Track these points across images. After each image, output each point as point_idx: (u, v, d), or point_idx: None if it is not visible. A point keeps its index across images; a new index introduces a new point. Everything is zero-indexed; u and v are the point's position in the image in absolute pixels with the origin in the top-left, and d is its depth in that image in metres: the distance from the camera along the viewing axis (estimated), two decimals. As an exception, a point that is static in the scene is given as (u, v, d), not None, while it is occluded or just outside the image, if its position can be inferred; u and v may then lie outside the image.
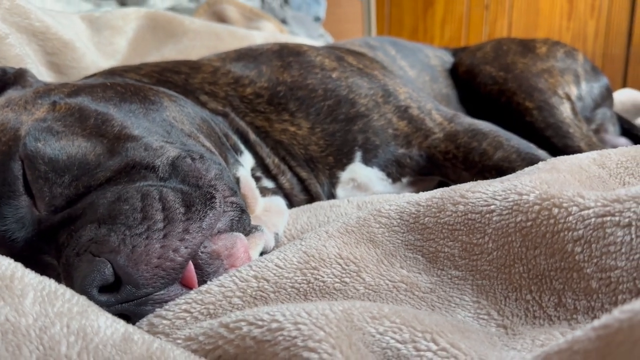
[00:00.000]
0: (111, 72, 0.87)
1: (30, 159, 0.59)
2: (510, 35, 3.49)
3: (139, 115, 0.67)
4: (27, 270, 0.46)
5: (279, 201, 0.82)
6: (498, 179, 0.58)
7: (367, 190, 0.91)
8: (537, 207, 0.50)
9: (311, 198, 0.88)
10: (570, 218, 0.48)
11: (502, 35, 3.54)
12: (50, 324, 0.41)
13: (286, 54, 0.94)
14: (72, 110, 0.64)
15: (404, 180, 0.92)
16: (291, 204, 0.86)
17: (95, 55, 1.04)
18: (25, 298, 0.42)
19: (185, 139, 0.68)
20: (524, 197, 0.52)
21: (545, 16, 3.39)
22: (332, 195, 0.90)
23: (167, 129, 0.67)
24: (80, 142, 0.61)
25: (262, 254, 0.66)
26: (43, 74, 0.92)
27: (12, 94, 0.72)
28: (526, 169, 0.62)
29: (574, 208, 0.49)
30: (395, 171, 0.90)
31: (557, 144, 1.08)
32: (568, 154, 1.06)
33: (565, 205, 0.49)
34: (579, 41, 3.25)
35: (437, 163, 0.90)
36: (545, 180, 0.54)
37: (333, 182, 0.89)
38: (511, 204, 0.52)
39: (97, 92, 0.69)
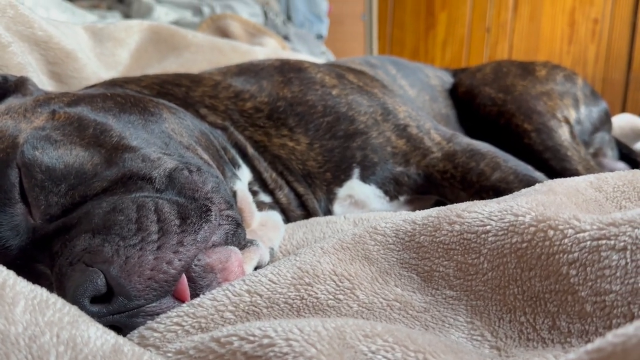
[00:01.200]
0: (112, 83, 0.88)
1: (28, 167, 0.59)
2: (510, 58, 3.52)
3: (137, 127, 0.67)
4: (19, 279, 0.46)
5: (275, 216, 0.82)
6: (495, 200, 0.58)
7: (364, 207, 0.91)
8: (532, 229, 0.50)
9: (308, 213, 0.88)
10: (566, 240, 0.48)
11: (502, 58, 3.56)
12: (40, 333, 0.40)
13: (287, 69, 0.95)
14: (71, 120, 0.64)
15: (402, 198, 0.92)
16: (288, 219, 0.86)
17: (97, 66, 1.04)
18: (15, 306, 0.42)
19: (183, 151, 0.68)
20: (520, 218, 0.52)
21: (546, 40, 3.42)
22: (328, 211, 0.90)
23: (165, 141, 0.67)
24: (78, 152, 0.61)
25: (256, 268, 0.66)
26: (44, 83, 0.92)
27: (12, 101, 0.73)
28: (523, 191, 0.62)
29: (570, 230, 0.49)
30: (393, 189, 0.90)
31: (555, 167, 1.08)
32: (566, 176, 1.07)
33: (561, 227, 0.49)
34: (579, 65, 3.27)
35: (434, 182, 0.90)
36: (542, 202, 0.54)
37: (330, 198, 0.89)
38: (507, 224, 0.52)
39: (97, 102, 0.69)
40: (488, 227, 0.53)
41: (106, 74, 1.06)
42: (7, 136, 0.62)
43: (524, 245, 0.50)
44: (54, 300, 0.44)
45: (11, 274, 0.46)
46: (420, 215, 0.59)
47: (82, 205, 0.58)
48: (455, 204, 0.60)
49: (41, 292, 0.45)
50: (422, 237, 0.57)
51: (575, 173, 1.07)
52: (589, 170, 1.07)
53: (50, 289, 0.55)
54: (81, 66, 0.98)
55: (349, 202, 0.90)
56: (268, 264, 0.72)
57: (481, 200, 0.60)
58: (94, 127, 0.64)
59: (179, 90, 0.88)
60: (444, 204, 1.02)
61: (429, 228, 0.57)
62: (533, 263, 0.49)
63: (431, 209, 0.60)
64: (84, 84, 0.98)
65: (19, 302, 0.43)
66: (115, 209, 0.55)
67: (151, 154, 0.63)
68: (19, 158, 0.59)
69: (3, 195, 0.58)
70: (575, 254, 0.47)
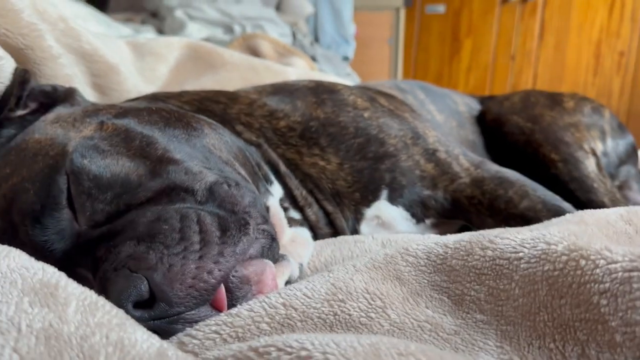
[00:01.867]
0: (154, 98, 0.91)
1: (76, 175, 0.61)
2: (534, 87, 3.53)
3: (181, 141, 0.70)
4: (70, 280, 0.48)
5: (304, 232, 0.84)
6: (527, 227, 0.60)
7: (390, 228, 0.92)
8: (564, 258, 0.51)
9: (335, 232, 0.89)
10: (598, 270, 0.49)
11: (526, 86, 3.57)
12: (90, 334, 0.42)
13: (321, 91, 0.97)
14: (119, 131, 0.67)
15: (428, 221, 0.93)
16: (315, 236, 0.88)
17: (137, 80, 1.08)
18: (68, 307, 0.44)
19: (223, 165, 0.70)
20: (552, 246, 0.53)
21: (570, 70, 3.42)
22: (355, 231, 0.91)
23: (206, 155, 0.70)
24: (125, 162, 0.64)
25: (286, 283, 0.68)
26: (88, 94, 0.96)
27: (61, 110, 0.76)
28: (554, 220, 0.63)
29: (602, 261, 0.50)
30: (420, 212, 0.92)
31: (581, 198, 1.09)
32: (591, 208, 1.08)
33: (592, 257, 0.50)
34: (603, 97, 3.27)
35: (461, 207, 0.91)
36: (574, 232, 0.55)
37: (358, 217, 0.91)
38: (539, 252, 0.53)
39: (143, 115, 0.72)
40: (520, 254, 0.54)
41: (146, 88, 1.10)
42: (56, 144, 0.65)
43: (556, 273, 0.51)
44: (103, 303, 0.47)
45: (63, 276, 0.48)
46: (452, 239, 0.60)
47: (126, 214, 0.60)
48: (486, 230, 0.61)
49: (91, 294, 0.47)
50: (454, 261, 0.58)
51: (601, 205, 1.07)
52: (615, 203, 1.07)
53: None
54: (123, 79, 1.01)
55: (376, 222, 0.91)
56: (297, 280, 0.74)
57: (513, 228, 0.61)
58: (140, 139, 0.67)
59: (217, 107, 0.91)
60: (470, 229, 1.03)
61: (461, 252, 0.58)
62: (564, 291, 0.50)
63: (463, 234, 0.61)
64: (124, 96, 1.02)
65: (71, 303, 0.45)
66: (160, 218, 0.58)
67: (193, 167, 0.65)
68: (68, 166, 0.62)
69: (51, 201, 0.61)
70: (607, 284, 0.48)
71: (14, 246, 0.62)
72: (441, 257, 0.59)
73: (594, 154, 1.16)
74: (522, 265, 0.53)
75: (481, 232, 0.60)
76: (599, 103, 1.36)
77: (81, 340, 0.42)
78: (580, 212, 0.64)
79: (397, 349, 0.45)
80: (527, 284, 0.53)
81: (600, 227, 0.59)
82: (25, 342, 0.40)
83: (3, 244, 0.64)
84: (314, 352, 0.43)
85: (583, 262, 0.50)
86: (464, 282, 0.56)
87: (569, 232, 0.55)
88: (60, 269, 0.61)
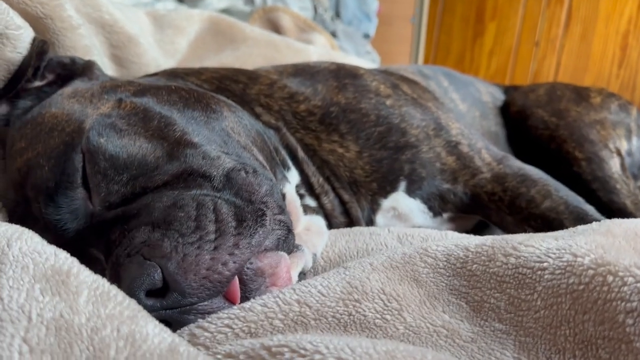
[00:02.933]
0: (173, 74, 0.89)
1: (92, 153, 0.60)
2: (557, 76, 3.46)
3: (200, 123, 0.68)
4: (82, 267, 0.47)
5: (319, 221, 0.83)
6: (552, 235, 0.58)
7: (406, 221, 0.90)
8: (591, 272, 0.50)
9: (350, 221, 0.88)
10: (625, 288, 0.47)
11: (548, 74, 3.50)
12: (101, 326, 0.41)
13: (343, 75, 0.95)
14: (137, 110, 0.66)
15: (445, 215, 0.92)
16: (330, 225, 0.87)
17: (157, 53, 1.06)
18: (79, 296, 0.43)
19: (241, 150, 0.69)
20: (579, 259, 0.51)
21: (595, 61, 3.34)
22: (371, 221, 0.90)
23: (224, 139, 0.68)
24: (142, 143, 0.62)
25: (300, 273, 0.67)
26: (106, 65, 0.94)
27: (78, 84, 0.74)
28: (579, 228, 0.61)
29: (630, 279, 0.48)
30: (438, 205, 0.90)
31: (602, 198, 1.06)
32: (612, 210, 1.05)
33: (620, 274, 0.48)
34: (627, 90, 3.19)
35: (481, 203, 0.89)
36: (601, 245, 0.53)
37: (374, 208, 0.89)
38: (565, 264, 0.51)
39: (162, 94, 0.70)
40: (545, 265, 0.52)
41: (165, 62, 1.08)
42: (73, 120, 0.64)
43: (581, 287, 0.50)
44: (115, 293, 0.46)
45: (75, 262, 0.47)
46: (473, 242, 0.59)
47: (141, 197, 0.59)
48: (511, 235, 0.59)
49: (103, 282, 0.46)
50: (474, 266, 0.56)
51: (622, 207, 1.05)
52: (637, 206, 1.05)
53: (103, 275, 0.56)
54: (142, 52, 0.99)
55: (392, 214, 0.90)
56: (310, 270, 0.73)
57: (538, 234, 0.59)
58: (158, 119, 0.65)
59: (237, 87, 0.89)
60: (487, 225, 1.01)
61: (483, 257, 0.56)
62: (588, 307, 0.49)
63: (485, 237, 0.60)
64: (143, 69, 1.00)
65: (83, 292, 0.44)
66: (176, 204, 0.56)
67: (211, 152, 0.64)
68: (84, 144, 0.61)
69: (65, 179, 0.60)
70: (634, 304, 0.47)
71: (27, 220, 0.61)
72: (461, 260, 0.57)
73: (619, 153, 1.13)
74: (546, 276, 0.52)
75: (504, 237, 0.58)
76: (627, 100, 1.32)
77: (92, 332, 0.41)
78: (607, 221, 0.62)
79: (414, 357, 0.43)
80: (550, 295, 0.51)
81: (628, 240, 0.57)
82: (35, 332, 0.39)
83: (17, 217, 0.63)
84: (328, 357, 0.42)
85: (610, 278, 0.48)
86: (483, 289, 0.55)
87: (596, 244, 0.53)
88: (72, 248, 0.60)
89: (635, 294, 0.47)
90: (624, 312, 0.47)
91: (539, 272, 0.52)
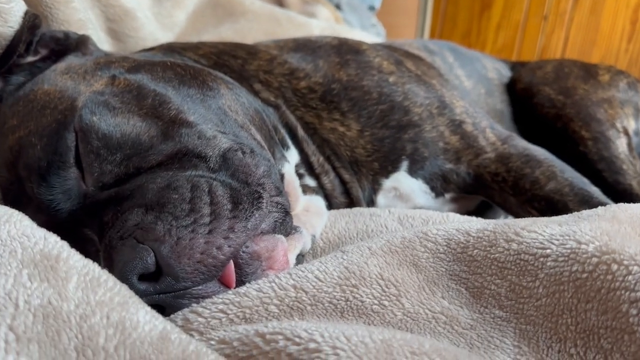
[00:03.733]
0: (170, 49, 0.87)
1: (85, 132, 0.59)
2: (565, 50, 3.40)
3: (196, 101, 0.66)
4: (73, 252, 0.46)
5: (319, 201, 0.81)
6: (556, 220, 0.56)
7: (408, 201, 0.89)
8: (595, 260, 0.48)
9: (351, 202, 0.86)
10: (630, 278, 0.46)
11: (556, 49, 3.44)
12: (91, 313, 0.40)
13: (345, 50, 0.92)
14: (131, 87, 0.64)
15: (447, 196, 0.90)
16: (330, 205, 0.85)
17: (154, 26, 1.03)
18: (69, 282, 0.42)
19: (238, 130, 0.67)
20: (583, 246, 0.50)
21: (604, 35, 3.27)
22: (372, 202, 0.88)
23: (221, 118, 0.66)
24: (136, 122, 0.60)
25: (298, 255, 0.66)
26: (102, 39, 0.92)
27: (72, 60, 0.72)
28: (584, 213, 0.59)
29: (635, 268, 0.46)
30: (440, 186, 0.88)
31: (608, 179, 1.05)
32: (618, 190, 1.04)
33: (625, 263, 0.47)
34: (636, 66, 3.14)
35: (484, 183, 0.87)
36: (606, 231, 0.51)
37: (375, 188, 0.87)
38: (568, 251, 0.50)
39: (157, 71, 0.68)
40: (548, 251, 0.51)
41: (162, 35, 1.05)
42: (66, 97, 0.62)
43: (584, 275, 0.48)
44: (106, 278, 0.44)
45: (65, 246, 0.46)
46: (475, 226, 0.57)
47: (135, 177, 0.58)
48: (513, 220, 0.57)
49: (93, 268, 0.45)
50: (475, 251, 0.55)
51: (628, 188, 1.03)
52: (643, 186, 1.03)
53: (97, 255, 0.56)
54: (139, 25, 0.97)
55: (394, 194, 0.88)
56: (309, 251, 0.72)
57: (541, 219, 0.58)
58: (152, 97, 0.63)
59: (235, 63, 0.86)
60: (490, 206, 1.00)
61: (484, 242, 0.55)
62: (591, 296, 0.47)
63: (487, 221, 0.58)
64: (140, 44, 0.97)
65: (72, 278, 0.43)
66: (170, 186, 0.55)
67: (207, 131, 0.62)
68: (77, 122, 0.59)
69: (58, 158, 0.58)
70: (639, 294, 0.45)
71: (21, 199, 0.60)
72: (462, 245, 0.56)
73: (626, 133, 1.11)
74: (548, 263, 0.50)
75: (507, 221, 0.57)
76: (635, 78, 1.29)
77: (80, 320, 0.40)
78: (613, 206, 0.60)
79: (411, 347, 0.42)
80: (553, 283, 0.50)
81: (634, 226, 0.55)
82: (22, 319, 0.38)
83: (11, 196, 0.62)
84: (323, 346, 0.41)
85: (615, 267, 0.47)
86: (484, 275, 0.53)
87: (601, 230, 0.52)
88: (66, 228, 0.59)
89: (639, 284, 0.46)
90: (628, 302, 0.46)
91: (542, 259, 0.51)
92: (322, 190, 0.84)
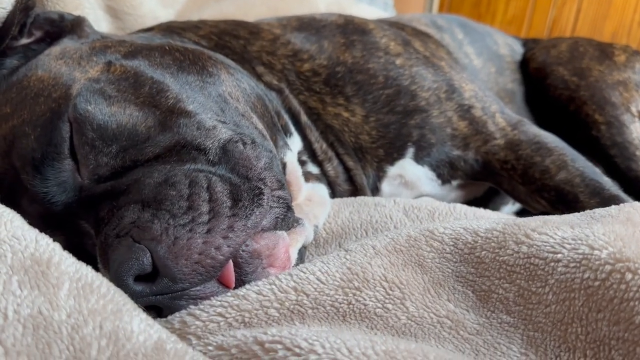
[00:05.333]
0: (169, 29, 0.83)
1: (79, 123, 0.56)
2: (576, 23, 3.31)
3: (195, 88, 0.63)
4: (65, 255, 0.44)
5: (322, 190, 0.79)
6: (568, 222, 0.54)
7: (413, 189, 0.87)
8: (608, 267, 0.46)
9: (355, 189, 0.84)
10: (645, 288, 0.44)
11: (567, 22, 3.35)
12: (83, 323, 0.39)
13: (350, 30, 0.89)
14: (127, 75, 0.61)
15: (454, 183, 0.88)
16: (334, 193, 0.83)
17: (154, 3, 0.99)
18: (60, 289, 0.41)
19: (239, 118, 0.64)
20: (596, 252, 0.48)
21: (617, 8, 3.18)
22: (376, 189, 0.86)
23: (221, 106, 0.64)
24: (132, 111, 0.58)
25: (300, 248, 0.64)
26: (100, 18, 0.89)
27: (67, 44, 0.69)
28: (597, 213, 0.57)
29: (651, 277, 0.44)
30: (447, 173, 0.86)
31: (620, 165, 1.02)
32: (630, 177, 1.01)
33: (641, 272, 0.45)
34: (649, 39, 3.06)
35: (492, 171, 0.85)
36: (621, 236, 0.49)
37: (380, 175, 0.85)
38: (580, 257, 0.48)
39: (155, 56, 0.65)
40: (559, 256, 0.49)
41: (163, 12, 1.01)
42: (60, 85, 0.60)
43: (597, 283, 0.46)
44: (99, 284, 0.43)
45: (57, 248, 0.45)
46: (483, 226, 0.55)
47: (132, 170, 0.56)
48: (524, 219, 0.55)
49: (86, 272, 0.43)
50: (483, 252, 0.53)
51: (640, 174, 1.00)
52: (656, 174, 1.00)
53: (94, 248, 0.54)
54: (138, 3, 0.93)
55: (399, 182, 0.86)
56: (312, 242, 0.70)
57: (553, 219, 0.55)
58: (150, 85, 0.61)
59: (237, 44, 0.83)
60: (498, 192, 0.98)
61: (492, 244, 0.53)
62: (603, 305, 0.46)
63: (496, 221, 0.56)
64: (139, 21, 0.94)
65: (64, 285, 0.41)
66: (167, 181, 0.53)
67: (207, 121, 0.60)
68: (71, 111, 0.57)
69: (52, 149, 0.56)
70: (654, 305, 0.44)
71: (16, 188, 0.58)
72: (469, 246, 0.54)
73: (641, 117, 1.08)
74: (559, 269, 0.48)
75: (517, 221, 0.55)
76: (653, 57, 1.24)
77: (72, 330, 0.38)
78: (627, 206, 0.58)
79: (415, 358, 0.41)
80: (563, 290, 0.48)
81: (650, 229, 0.53)
82: (11, 331, 0.37)
83: (6, 185, 0.60)
84: (324, 358, 0.40)
85: (629, 276, 0.45)
86: (492, 278, 0.52)
87: (615, 235, 0.49)
88: (61, 221, 0.58)
89: (655, 295, 0.44)
90: (642, 313, 0.44)
91: (552, 264, 0.49)
92: (325, 177, 0.82)
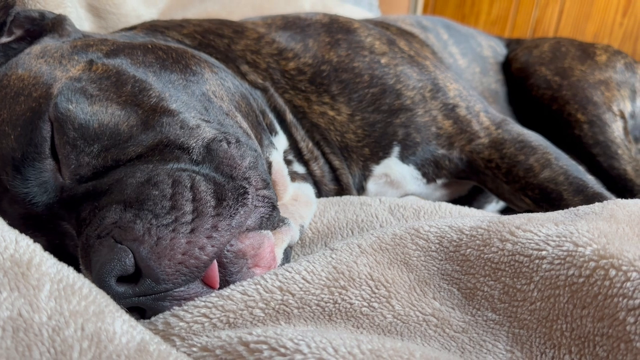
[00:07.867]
0: (152, 27, 0.83)
1: (60, 122, 0.55)
2: (559, 23, 3.35)
3: (178, 87, 0.63)
4: (45, 256, 0.44)
5: (308, 190, 0.79)
6: (552, 219, 0.54)
7: (399, 187, 0.87)
8: (592, 264, 0.47)
9: (341, 188, 0.84)
10: (628, 284, 0.44)
11: (550, 22, 3.39)
12: (64, 325, 0.38)
13: (335, 29, 0.89)
14: (109, 73, 0.60)
15: (439, 182, 0.88)
16: (319, 192, 0.83)
17: (137, 2, 0.98)
18: (41, 291, 0.40)
19: (223, 117, 0.64)
20: (580, 249, 0.48)
21: (599, 8, 3.22)
22: (362, 188, 0.86)
23: (205, 105, 0.63)
24: (114, 110, 0.57)
25: (286, 248, 0.63)
26: (82, 17, 0.88)
27: (48, 42, 0.68)
28: (581, 210, 0.57)
29: (634, 274, 0.45)
30: (432, 172, 0.86)
31: (602, 164, 1.03)
32: (612, 175, 1.02)
33: (624, 268, 0.45)
34: (630, 40, 3.10)
35: (477, 170, 0.85)
36: (604, 233, 0.49)
37: (365, 174, 0.85)
38: (565, 253, 0.48)
39: (137, 55, 0.64)
40: (543, 253, 0.49)
41: (146, 12, 1.00)
42: (40, 84, 0.59)
43: (581, 280, 0.47)
44: (80, 285, 0.42)
45: (38, 250, 0.44)
46: (468, 224, 0.55)
47: (114, 170, 0.55)
48: (508, 217, 0.55)
49: (67, 273, 0.43)
50: (468, 250, 0.53)
51: (623, 173, 1.01)
52: (638, 172, 1.01)
53: (75, 249, 0.53)
54: (120, 2, 0.92)
55: (384, 180, 0.86)
56: (297, 241, 0.70)
57: (537, 216, 0.56)
58: (132, 84, 0.60)
59: (221, 42, 0.83)
60: (482, 190, 0.98)
61: (477, 241, 0.53)
62: (588, 301, 0.46)
63: (481, 219, 0.56)
64: (122, 20, 0.93)
65: (44, 286, 0.40)
66: (150, 181, 0.52)
67: (190, 120, 0.59)
68: (52, 111, 0.56)
69: (33, 149, 0.55)
70: (637, 301, 0.44)
71: (-4, 188, 0.57)
72: (454, 243, 0.54)
73: (622, 116, 1.09)
74: (544, 266, 0.49)
75: (502, 219, 0.55)
76: (632, 58, 1.26)
77: (53, 332, 0.38)
78: (610, 203, 0.58)
79: (401, 357, 0.41)
80: (548, 287, 0.48)
81: (632, 226, 0.53)
82: (-10, 334, 0.36)
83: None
84: (309, 357, 0.40)
85: (613, 273, 0.45)
86: (477, 275, 0.52)
87: (599, 232, 0.50)
88: (42, 222, 0.57)
89: (638, 291, 0.44)
90: (625, 310, 0.44)
91: (537, 261, 0.49)
92: (311, 177, 0.82)
